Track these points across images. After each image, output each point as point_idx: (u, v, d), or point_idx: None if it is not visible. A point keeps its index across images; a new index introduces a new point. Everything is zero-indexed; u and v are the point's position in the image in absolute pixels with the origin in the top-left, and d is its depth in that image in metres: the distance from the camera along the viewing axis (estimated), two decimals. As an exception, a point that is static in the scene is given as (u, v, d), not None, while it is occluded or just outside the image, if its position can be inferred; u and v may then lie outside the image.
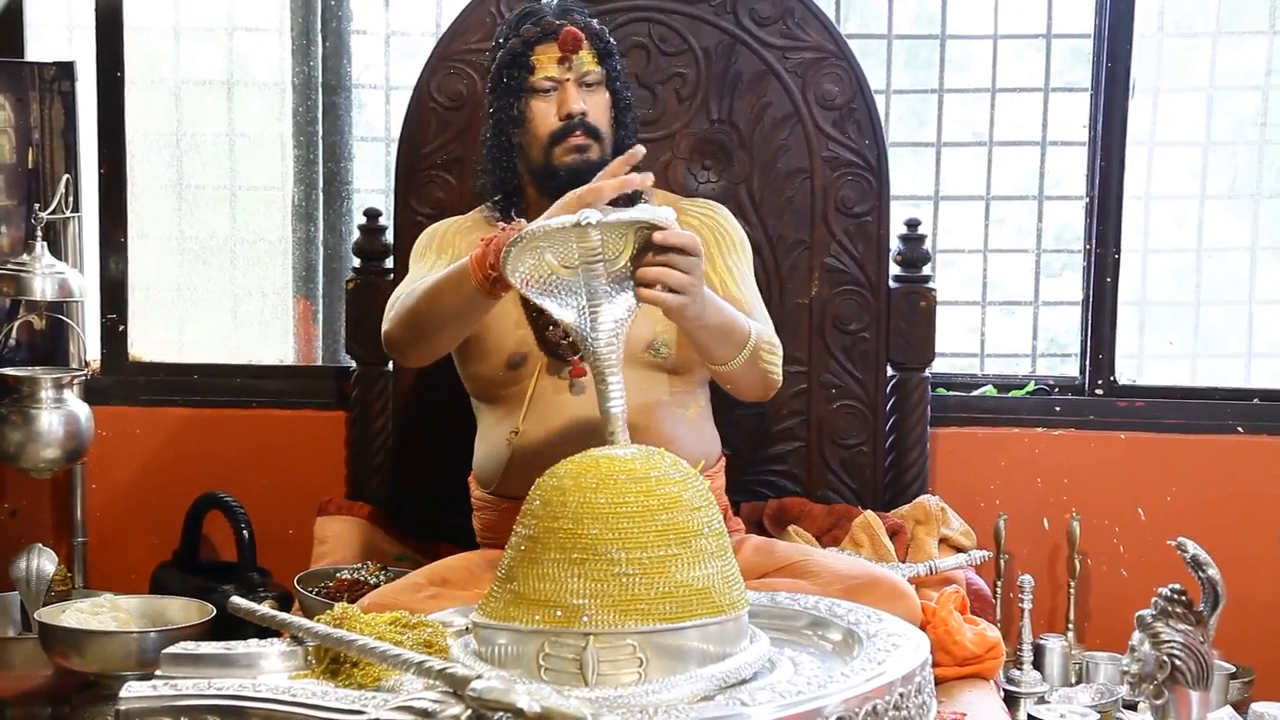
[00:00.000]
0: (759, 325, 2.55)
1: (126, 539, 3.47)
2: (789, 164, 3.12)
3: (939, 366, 3.33)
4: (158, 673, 1.91)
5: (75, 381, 3.26)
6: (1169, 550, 2.45)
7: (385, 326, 2.62)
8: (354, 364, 3.27)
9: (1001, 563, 3.24)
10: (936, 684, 2.14)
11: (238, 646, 1.96)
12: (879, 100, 3.29)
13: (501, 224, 2.73)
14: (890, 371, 3.17)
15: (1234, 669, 3.08)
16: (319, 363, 3.63)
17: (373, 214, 3.25)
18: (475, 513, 2.77)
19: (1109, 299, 3.40)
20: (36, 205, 3.29)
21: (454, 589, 2.47)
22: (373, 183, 3.63)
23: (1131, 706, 2.89)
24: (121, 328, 3.53)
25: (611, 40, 2.73)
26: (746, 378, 2.55)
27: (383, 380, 3.20)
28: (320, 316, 3.63)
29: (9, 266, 3.17)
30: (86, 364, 3.45)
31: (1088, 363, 3.43)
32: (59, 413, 3.20)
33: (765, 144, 3.12)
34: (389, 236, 3.23)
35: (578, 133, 2.64)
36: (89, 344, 3.48)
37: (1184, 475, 3.34)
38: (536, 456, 2.41)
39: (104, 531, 3.46)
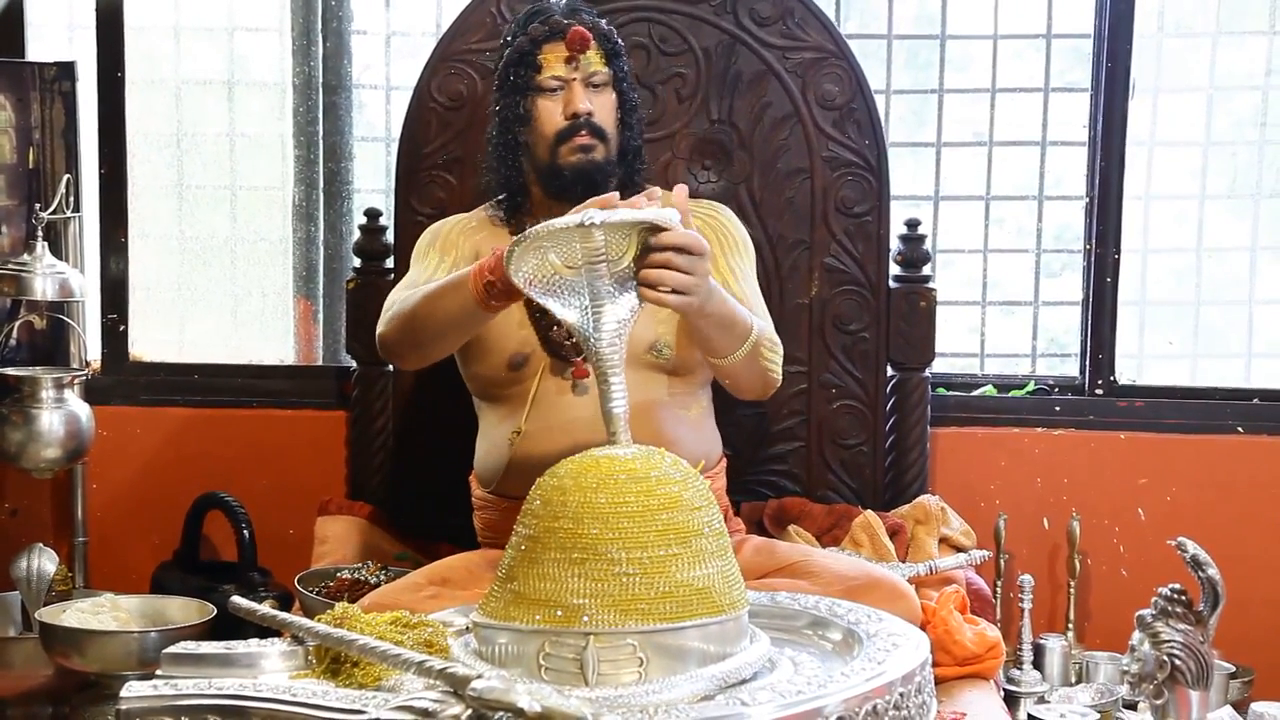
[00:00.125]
0: (760, 322, 2.54)
1: (127, 539, 3.47)
2: (789, 164, 3.12)
3: (939, 366, 3.33)
4: (158, 672, 1.92)
5: (76, 381, 3.27)
6: (1169, 550, 2.46)
7: (380, 329, 2.62)
8: (354, 364, 3.27)
9: (1001, 562, 3.24)
10: (936, 684, 2.14)
11: (238, 646, 1.96)
12: (879, 100, 3.29)
13: (505, 223, 2.74)
14: (890, 371, 3.17)
15: (1234, 669, 3.08)
16: (319, 363, 3.63)
17: (373, 214, 3.26)
18: (476, 512, 2.77)
19: (1109, 299, 3.41)
20: (37, 205, 3.29)
21: (454, 589, 2.47)
22: (373, 183, 3.63)
23: (1131, 706, 2.89)
24: (122, 328, 3.53)
25: (619, 41, 2.73)
26: (746, 373, 2.54)
27: (383, 380, 3.21)
28: (321, 316, 3.64)
29: (10, 266, 3.17)
30: (87, 364, 3.45)
31: (1088, 363, 3.43)
32: (60, 413, 3.20)
33: (765, 144, 3.12)
34: (389, 236, 3.23)
35: (583, 132, 2.63)
36: (90, 344, 3.48)
37: (1184, 475, 3.35)
38: (538, 457, 2.41)
39: (104, 531, 3.47)
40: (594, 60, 2.66)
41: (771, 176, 3.12)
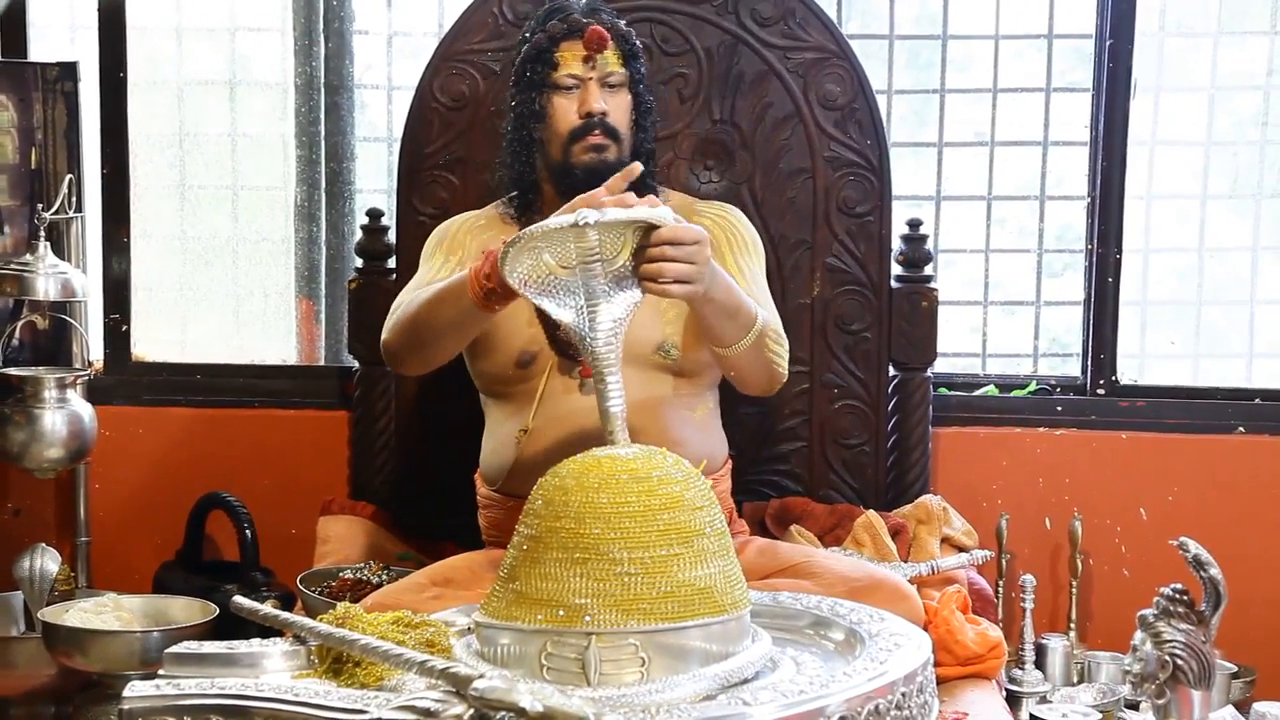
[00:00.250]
0: (766, 313, 2.54)
1: (130, 539, 3.48)
2: (791, 164, 3.12)
3: (941, 366, 3.33)
4: (161, 672, 1.92)
5: (78, 381, 3.27)
6: (1171, 550, 2.46)
7: (384, 336, 2.63)
8: (356, 364, 3.28)
9: (1003, 562, 3.24)
10: (938, 683, 2.15)
11: (240, 646, 1.97)
12: (880, 100, 3.29)
13: (516, 220, 2.74)
14: (892, 371, 3.17)
15: (1236, 669, 3.09)
16: (322, 363, 3.63)
17: (375, 214, 3.26)
18: (481, 510, 2.77)
19: (1110, 299, 3.41)
20: (40, 205, 3.29)
21: (457, 589, 2.47)
22: (375, 183, 3.63)
23: (1133, 706, 2.89)
24: (124, 328, 3.54)
25: (638, 43, 2.73)
26: (752, 365, 2.54)
27: (385, 380, 3.21)
28: (323, 316, 3.64)
29: (12, 266, 3.17)
30: (90, 364, 3.45)
31: (1089, 362, 3.43)
32: (62, 413, 3.20)
33: (767, 144, 3.12)
34: (391, 236, 3.23)
35: (596, 132, 2.64)
36: (92, 344, 3.48)
37: (1186, 475, 3.35)
38: (545, 456, 2.41)
39: (107, 531, 3.47)
40: (611, 60, 2.66)
41: (773, 176, 3.12)
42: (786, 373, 2.63)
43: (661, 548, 1.89)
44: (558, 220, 2.09)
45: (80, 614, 2.88)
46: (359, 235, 3.29)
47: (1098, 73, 3.39)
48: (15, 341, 3.34)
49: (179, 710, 1.83)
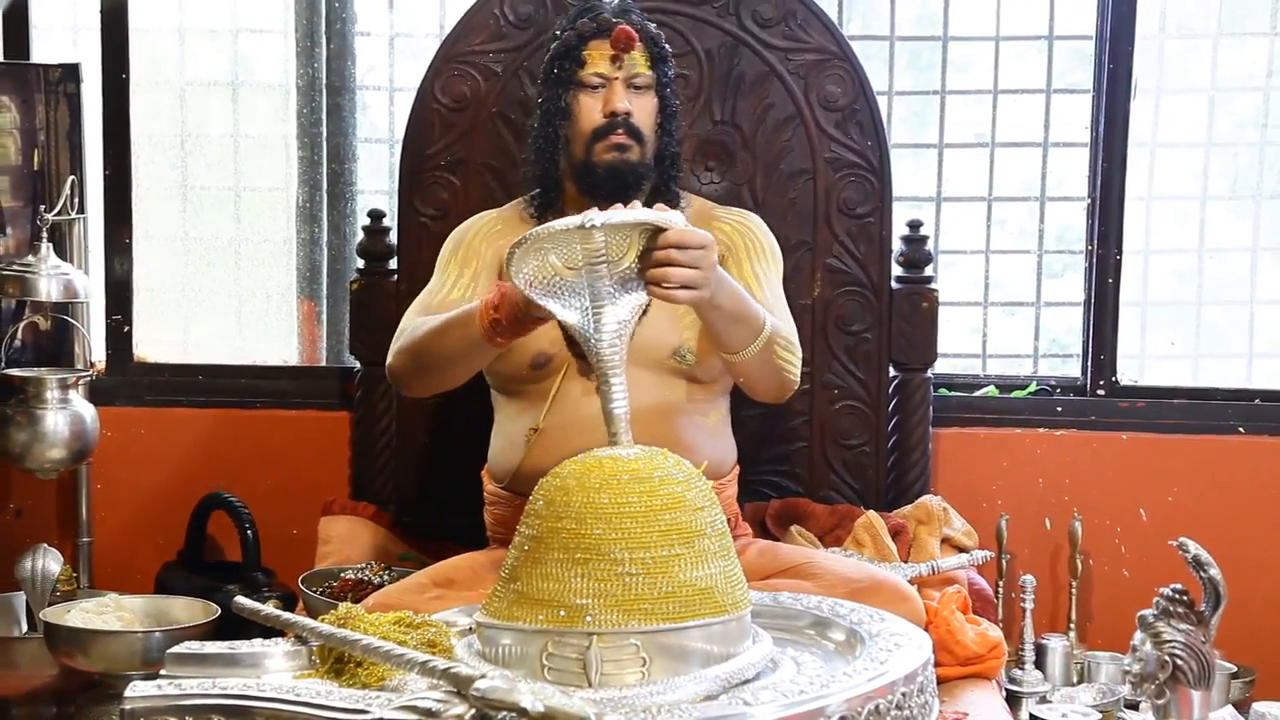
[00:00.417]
0: (776, 320, 2.54)
1: (131, 539, 3.48)
2: (791, 165, 3.13)
3: (941, 367, 3.33)
4: (162, 672, 1.92)
5: (80, 382, 3.27)
6: (1170, 550, 2.46)
7: (389, 359, 2.64)
8: (358, 364, 3.28)
9: (1003, 563, 3.24)
10: (939, 683, 2.15)
11: (242, 646, 1.97)
12: (881, 101, 3.29)
13: (536, 218, 2.73)
14: (892, 372, 3.18)
15: (1235, 669, 3.09)
16: (323, 363, 3.63)
17: (377, 215, 3.26)
18: (487, 507, 2.77)
19: (1110, 300, 3.41)
20: (42, 207, 3.30)
21: (459, 589, 2.48)
22: (376, 184, 3.64)
23: (1133, 706, 2.89)
24: (126, 328, 3.54)
25: (666, 46, 2.73)
26: (761, 372, 2.54)
27: (386, 381, 3.19)
28: (324, 317, 3.64)
29: (15, 267, 3.18)
30: (92, 365, 3.46)
31: (1089, 363, 3.43)
32: (64, 413, 3.21)
33: (768, 145, 3.12)
34: (393, 237, 3.24)
35: (620, 131, 2.64)
36: (94, 345, 3.49)
37: (1185, 475, 3.35)
38: (554, 455, 2.38)
39: (109, 531, 3.47)
40: (638, 61, 2.66)
41: (774, 178, 3.13)
42: (798, 380, 2.63)
43: (663, 548, 1.89)
44: (564, 222, 2.09)
45: (82, 614, 2.88)
46: (360, 236, 3.29)
47: (1098, 74, 3.40)
48: (17, 342, 3.34)
49: (181, 710, 1.84)
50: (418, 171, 3.16)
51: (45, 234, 3.21)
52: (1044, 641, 3.13)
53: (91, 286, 3.33)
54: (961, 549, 3.07)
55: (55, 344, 3.42)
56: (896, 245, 3.19)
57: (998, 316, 3.59)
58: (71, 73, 3.40)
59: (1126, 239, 3.41)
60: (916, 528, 3.08)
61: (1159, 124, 3.49)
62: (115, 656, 2.80)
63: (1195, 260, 3.54)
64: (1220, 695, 2.82)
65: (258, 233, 3.65)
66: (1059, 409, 3.40)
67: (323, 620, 1.99)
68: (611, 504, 1.90)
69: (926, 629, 2.40)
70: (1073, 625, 3.24)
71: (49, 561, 3.08)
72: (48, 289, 3.17)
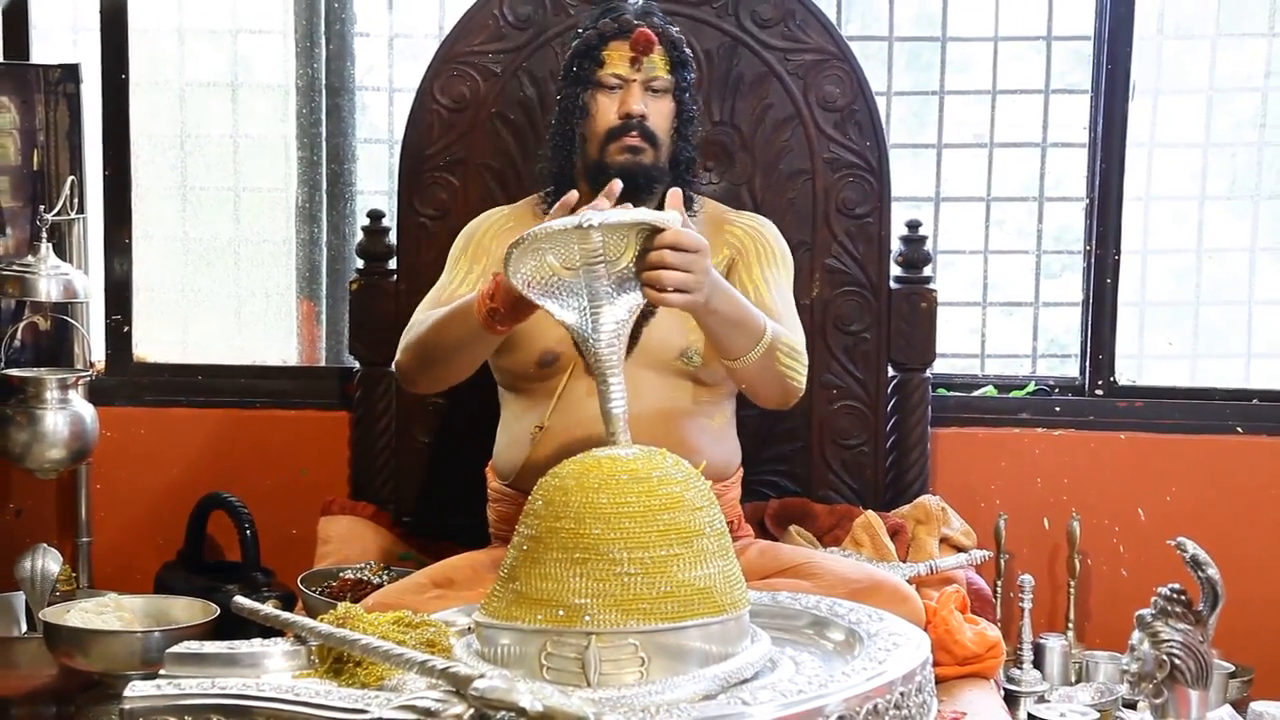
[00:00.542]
0: (779, 326, 2.53)
1: (131, 539, 3.48)
2: (791, 165, 3.13)
3: (940, 367, 3.34)
4: (162, 672, 1.92)
5: (80, 382, 3.28)
6: (1168, 550, 2.46)
7: (398, 355, 2.65)
8: (357, 365, 3.29)
9: (1002, 562, 3.24)
10: (937, 683, 2.15)
11: (241, 646, 1.97)
12: (880, 102, 3.30)
13: (548, 215, 2.73)
14: (891, 372, 3.18)
15: (1233, 668, 3.09)
16: (322, 363, 3.64)
17: (376, 215, 3.27)
18: (490, 504, 2.77)
19: (1109, 300, 3.42)
20: (42, 207, 3.30)
21: (459, 589, 2.48)
22: (376, 184, 3.64)
23: (1131, 705, 2.89)
24: (126, 329, 3.54)
25: (688, 51, 2.73)
26: (762, 377, 2.53)
27: (386, 381, 3.21)
28: (324, 317, 3.65)
29: (14, 268, 3.18)
30: (91, 365, 3.46)
31: (1088, 363, 3.44)
32: (64, 413, 3.21)
33: (767, 145, 3.13)
34: (392, 238, 3.24)
35: (634, 133, 2.63)
36: (94, 345, 3.49)
37: (1183, 475, 3.35)
38: (559, 454, 2.38)
39: (108, 531, 3.48)
40: (658, 65, 2.66)
41: (773, 178, 3.13)
42: (803, 387, 2.61)
43: (661, 548, 1.89)
44: (562, 222, 2.10)
45: (81, 614, 2.88)
46: (360, 236, 3.30)
47: (1096, 74, 3.40)
48: (17, 342, 3.34)
49: (180, 710, 1.84)
50: (417, 172, 3.16)
51: (45, 234, 3.21)
52: (1042, 641, 3.13)
53: (91, 287, 3.33)
54: (960, 549, 3.07)
55: (55, 344, 3.42)
56: (895, 245, 3.19)
57: (996, 316, 3.59)
58: (71, 73, 3.40)
59: (1125, 239, 3.42)
60: (915, 527, 3.08)
61: (1157, 124, 3.49)
62: (115, 656, 2.80)
63: (1193, 260, 3.54)
64: (1218, 694, 2.82)
65: (257, 233, 3.65)
66: (1057, 409, 3.41)
67: (322, 620, 2.00)
68: (610, 504, 1.91)
69: (925, 628, 2.40)
70: (1071, 625, 3.25)
71: (48, 561, 3.08)
72: (47, 289, 3.18)
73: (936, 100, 3.52)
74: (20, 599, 3.16)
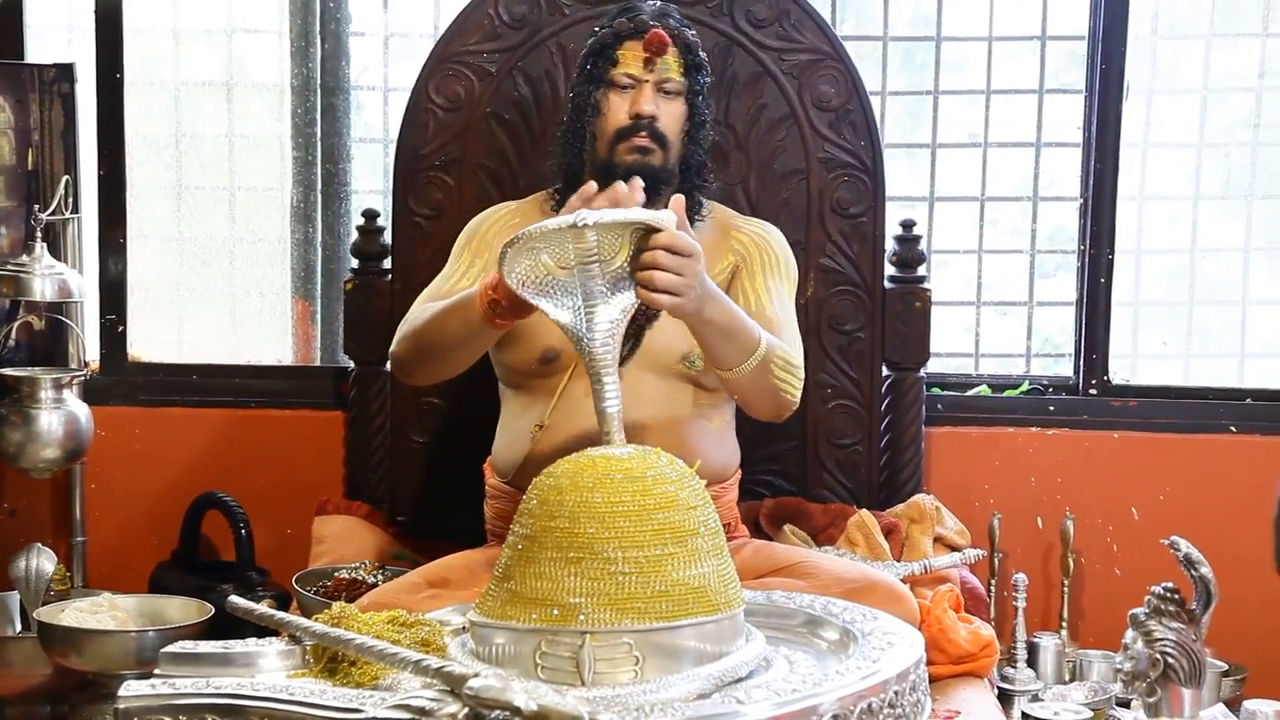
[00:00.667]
0: (774, 339, 2.52)
1: (125, 539, 3.48)
2: (785, 165, 3.13)
3: (934, 366, 3.35)
4: (156, 672, 1.92)
5: (75, 382, 3.27)
6: (1162, 549, 2.47)
7: (394, 345, 2.64)
8: (352, 364, 3.29)
9: (995, 561, 3.25)
10: (931, 682, 2.16)
11: (236, 645, 1.97)
12: (874, 101, 3.30)
13: (555, 212, 2.72)
14: (885, 371, 3.18)
15: (1226, 667, 3.09)
16: (317, 363, 3.64)
17: (371, 215, 3.27)
18: (488, 501, 2.77)
19: (1103, 299, 3.42)
20: (36, 206, 3.29)
21: (454, 588, 2.48)
22: (371, 184, 3.64)
23: (1125, 704, 2.90)
24: (121, 328, 3.54)
25: (702, 54, 2.72)
26: (755, 389, 2.52)
27: (380, 380, 3.22)
28: (319, 317, 3.65)
29: (9, 267, 3.17)
30: (86, 364, 3.46)
31: (1082, 363, 3.44)
32: (58, 413, 3.21)
33: (762, 145, 3.13)
34: (387, 237, 3.24)
35: (643, 134, 2.63)
36: (88, 344, 3.49)
37: (1177, 475, 3.36)
38: (558, 452, 2.37)
39: (103, 531, 3.47)
40: (671, 66, 2.66)
41: (768, 177, 3.13)
42: (797, 402, 2.59)
43: (656, 547, 1.89)
44: (556, 221, 2.10)
45: (76, 614, 2.88)
46: (354, 236, 3.29)
47: (1090, 74, 3.40)
48: (11, 342, 3.34)
49: (174, 710, 1.84)
50: (412, 171, 3.16)
51: (40, 234, 3.20)
52: (1036, 640, 3.14)
53: (86, 286, 3.32)
54: (954, 548, 3.08)
55: (49, 344, 3.42)
56: (889, 245, 3.19)
57: (990, 316, 3.59)
58: (66, 72, 3.40)
59: (1119, 239, 3.42)
60: (909, 526, 3.09)
61: (1151, 124, 3.50)
62: (109, 656, 2.80)
63: (1187, 260, 3.55)
64: (1211, 693, 2.83)
65: (252, 232, 3.65)
66: (1051, 408, 3.41)
67: (317, 619, 2.00)
68: (605, 503, 1.91)
69: (919, 628, 2.41)
70: (1065, 624, 3.25)
71: (43, 561, 3.07)
72: (42, 289, 3.17)
73: (931, 100, 3.52)
74: (15, 599, 3.15)
